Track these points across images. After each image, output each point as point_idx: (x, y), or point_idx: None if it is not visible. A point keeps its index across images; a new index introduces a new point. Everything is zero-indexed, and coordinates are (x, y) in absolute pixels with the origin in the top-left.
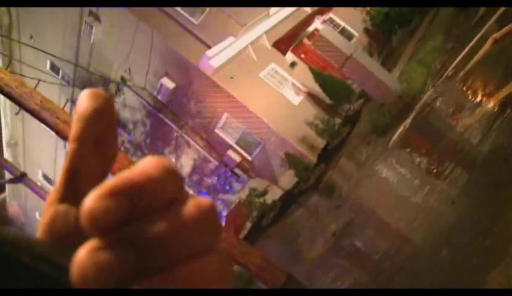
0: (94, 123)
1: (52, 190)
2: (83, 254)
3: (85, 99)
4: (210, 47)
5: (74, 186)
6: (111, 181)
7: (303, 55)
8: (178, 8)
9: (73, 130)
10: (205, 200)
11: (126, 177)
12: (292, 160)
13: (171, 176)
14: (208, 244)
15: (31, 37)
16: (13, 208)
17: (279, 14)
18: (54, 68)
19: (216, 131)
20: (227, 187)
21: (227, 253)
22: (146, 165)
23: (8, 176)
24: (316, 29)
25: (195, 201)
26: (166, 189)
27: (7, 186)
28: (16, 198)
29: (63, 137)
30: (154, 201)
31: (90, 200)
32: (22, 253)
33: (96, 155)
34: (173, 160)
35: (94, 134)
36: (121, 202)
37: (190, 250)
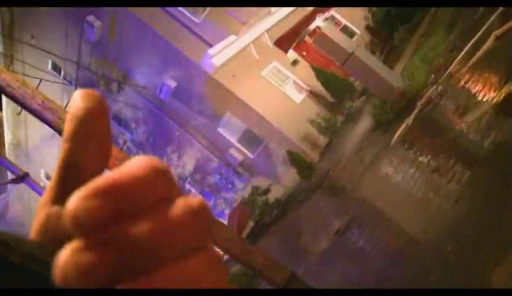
0: (87, 123)
1: (45, 191)
2: (65, 254)
3: (77, 99)
4: (211, 46)
5: (67, 187)
6: (96, 181)
7: (304, 53)
8: (179, 7)
9: (66, 130)
10: (194, 199)
11: (112, 177)
12: (294, 158)
13: (160, 176)
14: (197, 244)
15: (33, 37)
16: (15, 208)
17: (280, 12)
18: (56, 68)
19: (218, 129)
20: (230, 186)
21: (218, 253)
22: (134, 165)
23: (10, 176)
24: (318, 27)
25: (184, 201)
26: (154, 189)
27: (10, 186)
28: (19, 199)
29: None
30: (141, 202)
31: (74, 200)
32: (11, 252)
33: (90, 155)
34: (175, 158)
35: (87, 134)
36: (106, 203)
37: (177, 250)
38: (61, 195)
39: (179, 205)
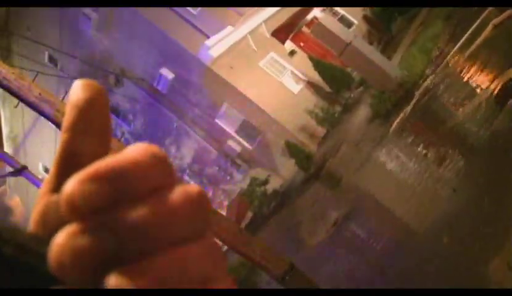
0: (87, 113)
1: (44, 181)
2: (61, 238)
3: (77, 89)
4: (209, 37)
5: (66, 177)
6: (94, 165)
7: (302, 44)
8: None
9: (66, 120)
10: (192, 186)
11: (110, 162)
12: (292, 149)
13: (159, 163)
14: (196, 231)
15: (28, 28)
16: (13, 201)
17: None
18: (52, 60)
19: (216, 120)
20: (228, 177)
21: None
22: (133, 151)
23: (8, 169)
24: (315, 17)
25: (182, 188)
26: (152, 175)
27: (8, 179)
28: (17, 192)
29: None
30: (139, 187)
31: (71, 184)
32: (4, 244)
33: (89, 145)
34: (174, 150)
35: (87, 124)
36: (104, 187)
37: (176, 236)
38: (60, 185)
39: (178, 192)
